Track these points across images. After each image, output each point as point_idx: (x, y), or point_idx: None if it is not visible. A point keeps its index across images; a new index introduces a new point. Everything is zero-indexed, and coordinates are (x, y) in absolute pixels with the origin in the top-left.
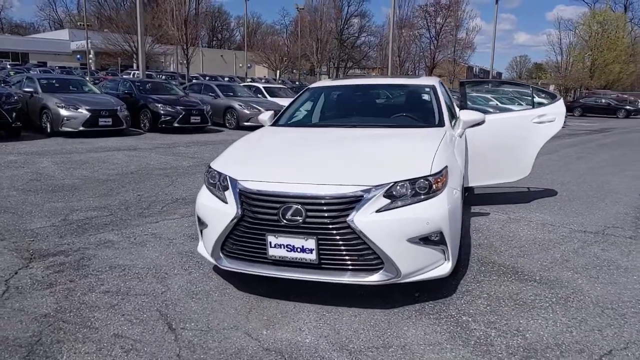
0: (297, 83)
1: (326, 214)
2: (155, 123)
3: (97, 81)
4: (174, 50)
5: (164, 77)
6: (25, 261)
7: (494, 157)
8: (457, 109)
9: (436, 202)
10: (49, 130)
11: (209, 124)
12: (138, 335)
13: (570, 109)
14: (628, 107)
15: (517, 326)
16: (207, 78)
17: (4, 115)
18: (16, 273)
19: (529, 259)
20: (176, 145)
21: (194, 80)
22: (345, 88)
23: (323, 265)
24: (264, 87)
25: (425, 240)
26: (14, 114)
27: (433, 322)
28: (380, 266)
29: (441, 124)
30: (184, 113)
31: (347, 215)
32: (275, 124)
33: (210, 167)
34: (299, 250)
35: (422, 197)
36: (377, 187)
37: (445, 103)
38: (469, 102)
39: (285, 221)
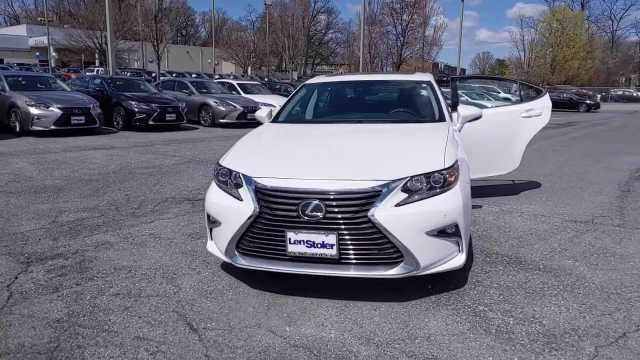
0: (265, 80)
1: (347, 209)
2: (129, 121)
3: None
4: (139, 47)
5: (128, 74)
6: (23, 265)
7: (486, 151)
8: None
9: (451, 196)
10: (18, 129)
11: (185, 122)
12: (160, 337)
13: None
14: (588, 101)
15: (533, 314)
16: (174, 75)
17: None
18: (16, 278)
19: (529, 249)
20: (154, 144)
21: (165, 77)
22: (344, 84)
23: (343, 261)
24: (237, 84)
25: (441, 232)
26: None
27: (451, 312)
28: (399, 259)
29: (442, 119)
30: (159, 110)
31: (368, 210)
32: (275, 120)
33: (220, 165)
34: (319, 246)
35: (438, 190)
36: (394, 181)
37: (444, 98)
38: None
39: (305, 217)
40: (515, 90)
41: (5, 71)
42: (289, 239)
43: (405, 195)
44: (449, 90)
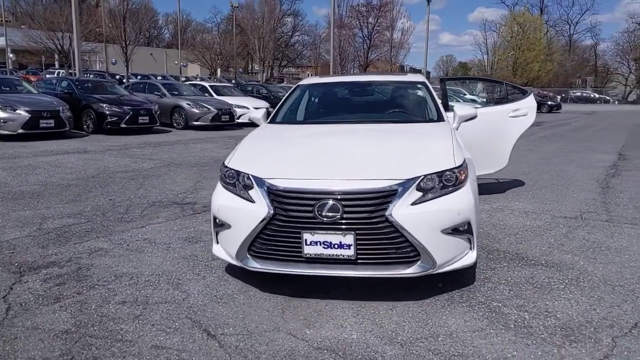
0: (233, 82)
1: (365, 209)
2: (100, 124)
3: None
4: (100, 49)
5: (91, 76)
6: (16, 275)
7: (477, 149)
8: None
9: (462, 194)
10: None
11: (158, 124)
12: (179, 344)
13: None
14: (550, 102)
15: (545, 308)
16: (139, 77)
17: None
18: (11, 289)
19: (528, 245)
20: (129, 147)
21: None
22: (339, 85)
23: (360, 261)
24: (209, 86)
25: (455, 230)
26: None
27: (467, 309)
28: (416, 258)
29: (440, 118)
30: (131, 113)
31: (385, 209)
32: (273, 121)
33: (226, 166)
34: (336, 246)
35: (450, 189)
36: (409, 180)
37: (439, 99)
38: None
39: (321, 218)
40: (480, 92)
41: None
42: (305, 240)
43: (420, 194)
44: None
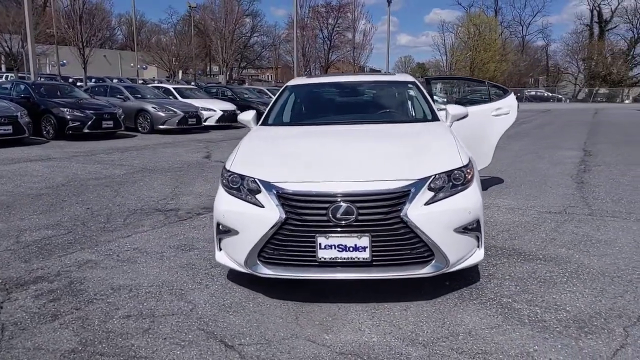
0: (192, 84)
1: (380, 210)
2: (61, 130)
3: None
4: (52, 51)
5: (42, 79)
6: (3, 292)
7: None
8: None
9: (471, 192)
10: None
11: (122, 129)
12: (197, 358)
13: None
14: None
15: (554, 301)
16: (93, 80)
17: None
18: (1, 307)
19: (521, 241)
20: (95, 153)
21: (90, 82)
22: (330, 85)
23: (375, 263)
24: (174, 88)
25: (465, 229)
26: None
27: (479, 307)
28: (430, 258)
29: (435, 118)
30: (94, 118)
31: (400, 210)
32: (265, 123)
33: (229, 171)
34: (351, 249)
35: (459, 188)
36: (421, 180)
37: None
38: None
39: (335, 221)
40: (439, 91)
41: None
42: (320, 244)
43: (431, 194)
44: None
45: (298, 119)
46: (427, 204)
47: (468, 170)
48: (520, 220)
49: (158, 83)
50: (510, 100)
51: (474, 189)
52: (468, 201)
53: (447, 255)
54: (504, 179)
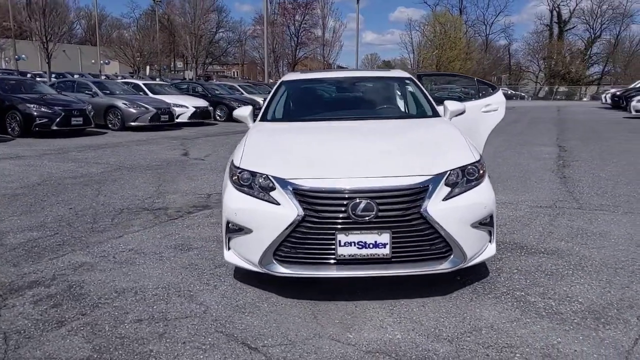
0: (157, 80)
1: (400, 206)
2: (28, 127)
3: None
4: (8, 45)
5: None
6: None
7: None
8: None
9: (484, 187)
10: None
11: (92, 125)
12: None
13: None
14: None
15: (565, 293)
16: (53, 76)
17: None
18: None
19: (520, 235)
20: (67, 151)
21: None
22: (327, 81)
23: (394, 259)
24: (144, 84)
25: (481, 224)
26: None
27: (495, 301)
28: (448, 254)
29: (436, 114)
30: (63, 114)
31: (420, 206)
32: (264, 119)
33: (239, 167)
34: (371, 246)
35: (473, 183)
36: (438, 175)
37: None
38: None
39: (355, 217)
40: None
41: None
42: (339, 241)
43: (448, 189)
44: None
45: (299, 115)
46: (445, 199)
47: (481, 166)
48: (514, 215)
49: (121, 78)
50: (499, 96)
51: (487, 183)
52: (483, 196)
53: (464, 250)
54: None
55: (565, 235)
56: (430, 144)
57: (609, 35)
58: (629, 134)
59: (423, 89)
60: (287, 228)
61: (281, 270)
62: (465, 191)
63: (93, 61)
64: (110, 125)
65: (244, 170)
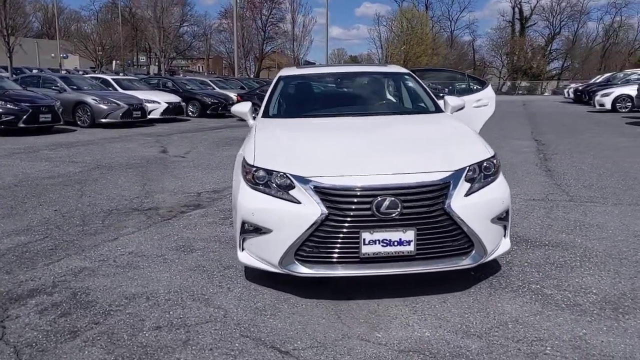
0: (120, 74)
1: (424, 203)
2: None
3: None
4: None
5: None
6: None
7: None
8: None
9: (500, 182)
10: None
11: (61, 123)
12: None
13: None
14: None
15: (579, 285)
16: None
17: None
18: (4, 327)
19: (521, 228)
20: (37, 149)
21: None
22: (327, 76)
23: (418, 256)
24: (113, 79)
25: (499, 218)
26: None
27: (514, 295)
28: (470, 249)
29: (438, 109)
30: (30, 111)
31: (443, 202)
32: (266, 115)
33: (254, 166)
34: (395, 243)
35: (490, 178)
36: (458, 171)
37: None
38: None
39: (380, 215)
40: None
41: None
42: (364, 239)
43: (468, 184)
44: None
45: (303, 111)
46: (466, 195)
47: (496, 161)
48: (512, 208)
49: (83, 73)
50: (489, 92)
51: (502, 178)
52: (500, 191)
53: (485, 245)
54: None
55: (564, 228)
56: (444, 139)
57: (567, 32)
58: (598, 128)
59: (423, 84)
60: (309, 227)
61: (303, 270)
62: (483, 187)
63: (53, 55)
64: (79, 122)
65: (259, 168)
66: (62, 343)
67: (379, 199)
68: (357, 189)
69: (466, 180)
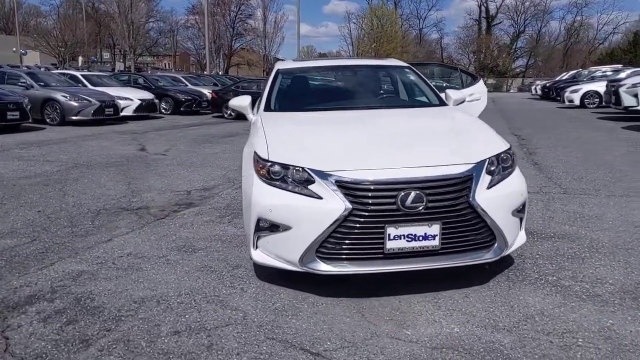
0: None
1: (449, 196)
2: None
3: None
4: None
5: None
6: None
7: None
8: None
9: (517, 175)
10: None
11: (30, 120)
12: None
13: None
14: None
15: (594, 276)
16: None
17: None
18: (7, 339)
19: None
20: (7, 148)
21: None
22: (327, 69)
23: (442, 251)
24: (82, 75)
25: (518, 211)
26: None
27: (533, 287)
28: (492, 243)
29: (442, 102)
30: None
31: (467, 195)
32: (268, 109)
33: (268, 160)
34: (420, 238)
35: (508, 170)
36: (479, 164)
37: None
38: None
39: (405, 209)
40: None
41: None
42: (389, 234)
43: (489, 177)
44: None
45: (306, 105)
46: (488, 187)
47: (512, 153)
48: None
49: (45, 70)
50: (481, 86)
51: (518, 171)
52: (519, 183)
53: (507, 238)
54: None
55: (565, 220)
56: (460, 132)
57: (531, 30)
58: (572, 123)
59: (424, 77)
60: (333, 223)
61: (325, 268)
62: (503, 179)
63: (14, 49)
64: (48, 120)
65: (274, 163)
66: (75, 353)
67: (403, 193)
68: (382, 183)
69: (487, 173)
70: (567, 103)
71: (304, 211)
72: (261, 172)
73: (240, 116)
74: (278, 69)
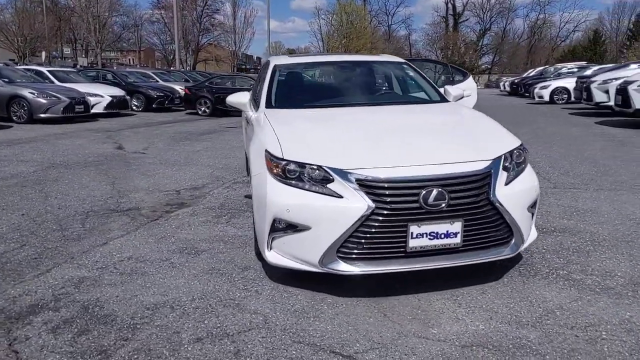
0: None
1: (471, 193)
2: None
3: None
4: None
5: None
6: (0, 331)
7: None
8: None
9: (530, 171)
10: None
11: None
12: None
13: None
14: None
15: (602, 269)
16: None
17: None
18: (17, 353)
19: None
20: None
21: None
22: (326, 65)
23: (463, 248)
24: (48, 71)
25: (532, 207)
26: None
27: (547, 282)
28: (509, 239)
29: (443, 98)
30: None
31: (488, 192)
32: (269, 106)
33: (283, 159)
34: (442, 236)
35: (522, 167)
36: (495, 160)
37: None
38: None
39: (427, 207)
40: None
41: None
42: (411, 233)
43: (506, 173)
44: None
45: (309, 102)
46: (506, 184)
47: (524, 149)
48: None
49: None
50: (470, 82)
51: (530, 168)
52: (532, 179)
53: (523, 234)
54: None
55: (562, 214)
56: (471, 128)
57: (497, 27)
58: (545, 118)
59: (423, 73)
60: (355, 222)
61: (346, 268)
62: (517, 175)
63: None
64: (14, 118)
65: (290, 161)
66: None
67: (425, 190)
68: (404, 181)
69: (503, 169)
70: (537, 99)
71: (324, 210)
72: (275, 170)
73: (215, 113)
74: (275, 65)
